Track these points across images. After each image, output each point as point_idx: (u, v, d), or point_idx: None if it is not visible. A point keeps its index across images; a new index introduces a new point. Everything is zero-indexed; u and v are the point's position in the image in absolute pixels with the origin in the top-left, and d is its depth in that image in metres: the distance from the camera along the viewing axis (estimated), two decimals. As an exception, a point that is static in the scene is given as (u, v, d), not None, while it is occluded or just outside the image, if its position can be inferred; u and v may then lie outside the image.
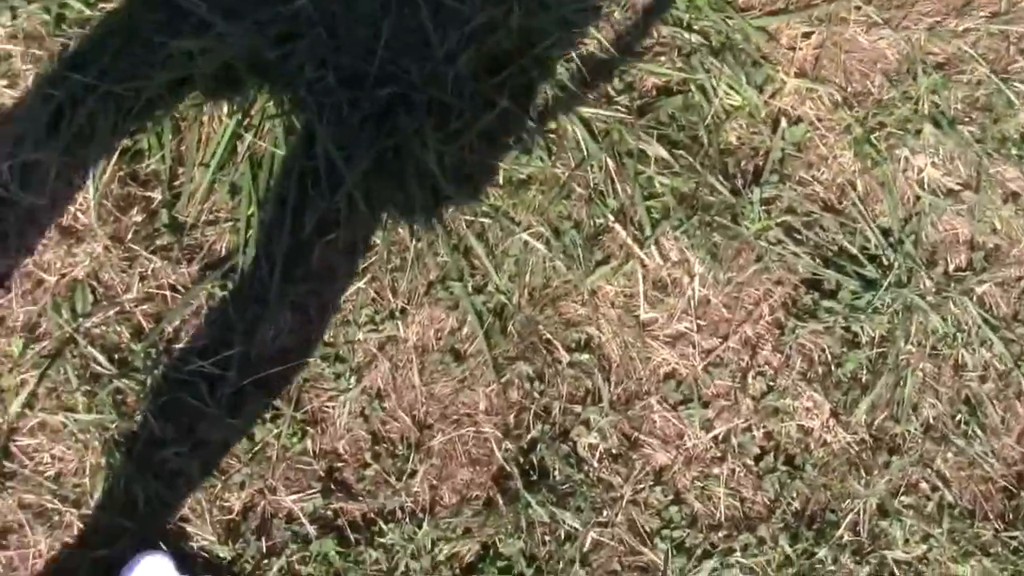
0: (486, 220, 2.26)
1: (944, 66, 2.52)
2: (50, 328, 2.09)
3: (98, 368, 2.08)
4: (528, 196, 2.28)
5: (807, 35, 2.48)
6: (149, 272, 2.14)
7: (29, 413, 2.06)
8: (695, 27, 2.42)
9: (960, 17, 2.54)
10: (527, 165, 2.29)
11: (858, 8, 2.51)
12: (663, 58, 2.40)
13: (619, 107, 2.35)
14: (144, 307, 2.13)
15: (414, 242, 2.22)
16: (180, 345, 2.13)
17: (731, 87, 2.41)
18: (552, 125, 2.31)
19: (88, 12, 2.19)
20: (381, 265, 2.21)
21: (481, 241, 2.25)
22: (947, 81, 2.49)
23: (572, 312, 2.28)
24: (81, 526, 2.05)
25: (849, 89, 2.47)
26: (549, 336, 2.26)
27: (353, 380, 2.18)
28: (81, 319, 2.10)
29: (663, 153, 2.33)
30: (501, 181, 2.28)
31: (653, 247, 2.31)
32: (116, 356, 2.10)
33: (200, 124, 2.19)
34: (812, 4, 2.49)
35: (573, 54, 2.34)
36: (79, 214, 2.13)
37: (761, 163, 2.39)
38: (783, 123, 2.42)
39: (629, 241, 2.30)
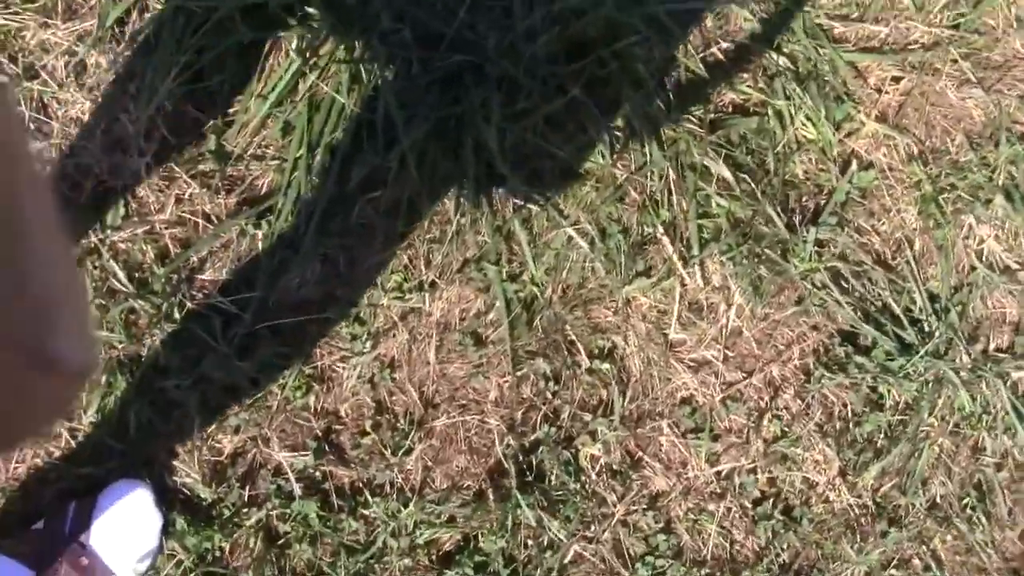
0: (534, 207, 2.20)
1: (1029, 138, 2.44)
2: (76, 234, 2.05)
3: (116, 284, 2.04)
4: (581, 191, 2.22)
5: (896, 79, 2.39)
6: (186, 196, 2.09)
7: (39, 316, 2.02)
8: (784, 49, 2.34)
9: (1056, 91, 2.45)
10: (586, 159, 2.23)
11: (954, 61, 2.42)
12: (746, 75, 2.33)
13: (691, 118, 2.27)
14: (174, 231, 2.08)
15: (458, 216, 2.16)
16: (202, 276, 2.08)
17: (808, 118, 2.33)
18: (619, 123, 2.24)
19: (174, -83, 2.12)
20: (420, 233, 2.16)
21: (525, 228, 2.19)
22: (1028, 155, 2.41)
23: (602, 318, 2.22)
24: (69, 439, 2.01)
25: (927, 143, 2.39)
26: (574, 337, 2.20)
27: (369, 345, 2.13)
28: (109, 231, 2.05)
29: (727, 173, 2.26)
30: (557, 170, 2.22)
31: (697, 267, 2.25)
32: (136, 275, 2.05)
33: (265, 55, 2.12)
34: (908, 48, 2.41)
35: (656, 55, 2.26)
36: (127, 124, 2.07)
37: (823, 202, 2.32)
38: (854, 165, 2.34)
39: (674, 257, 2.24)
